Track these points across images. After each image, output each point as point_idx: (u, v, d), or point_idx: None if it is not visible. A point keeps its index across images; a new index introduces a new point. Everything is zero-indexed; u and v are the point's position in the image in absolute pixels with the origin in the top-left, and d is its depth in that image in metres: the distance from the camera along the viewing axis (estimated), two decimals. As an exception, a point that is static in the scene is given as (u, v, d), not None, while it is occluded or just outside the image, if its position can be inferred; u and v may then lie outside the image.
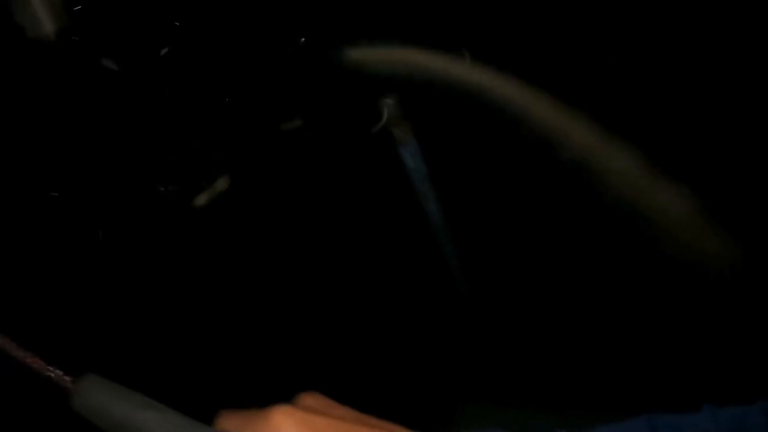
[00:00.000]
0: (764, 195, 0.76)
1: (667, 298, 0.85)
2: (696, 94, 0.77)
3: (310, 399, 0.22)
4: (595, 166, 0.77)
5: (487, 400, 0.96)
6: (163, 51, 0.66)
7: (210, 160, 0.76)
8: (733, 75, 0.74)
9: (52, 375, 0.26)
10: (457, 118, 0.88)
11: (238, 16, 0.70)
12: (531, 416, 0.95)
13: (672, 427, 0.24)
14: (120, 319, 0.75)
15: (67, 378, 0.26)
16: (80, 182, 0.69)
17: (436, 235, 0.89)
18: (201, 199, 0.74)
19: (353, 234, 0.95)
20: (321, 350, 0.92)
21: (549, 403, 0.90)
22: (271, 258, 0.90)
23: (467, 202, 0.90)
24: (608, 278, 0.88)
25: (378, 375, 0.95)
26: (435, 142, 0.87)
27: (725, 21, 0.72)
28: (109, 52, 0.64)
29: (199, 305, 0.82)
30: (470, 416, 0.96)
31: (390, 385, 0.93)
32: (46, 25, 0.56)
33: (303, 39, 0.72)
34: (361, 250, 0.96)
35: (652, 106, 0.78)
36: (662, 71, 0.77)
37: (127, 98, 0.67)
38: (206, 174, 0.75)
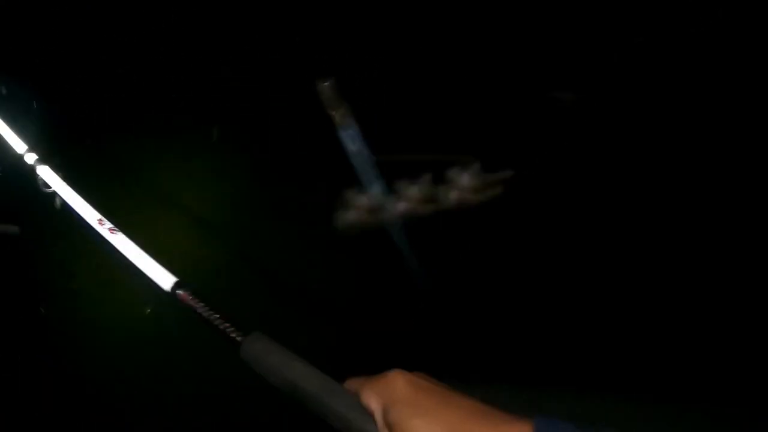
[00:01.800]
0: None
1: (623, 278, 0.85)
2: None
3: (417, 373, 0.29)
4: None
5: (456, 378, 0.95)
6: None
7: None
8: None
9: (228, 330, 0.34)
10: (400, 99, 0.84)
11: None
12: (497, 393, 0.95)
13: None
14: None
15: (238, 333, 0.34)
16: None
17: (386, 223, 0.86)
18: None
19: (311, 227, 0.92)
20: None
21: (515, 381, 0.89)
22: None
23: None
24: (569, 260, 0.87)
25: (344, 357, 0.94)
26: (377, 123, 0.84)
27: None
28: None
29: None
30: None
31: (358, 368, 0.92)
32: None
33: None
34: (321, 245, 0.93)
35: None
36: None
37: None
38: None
